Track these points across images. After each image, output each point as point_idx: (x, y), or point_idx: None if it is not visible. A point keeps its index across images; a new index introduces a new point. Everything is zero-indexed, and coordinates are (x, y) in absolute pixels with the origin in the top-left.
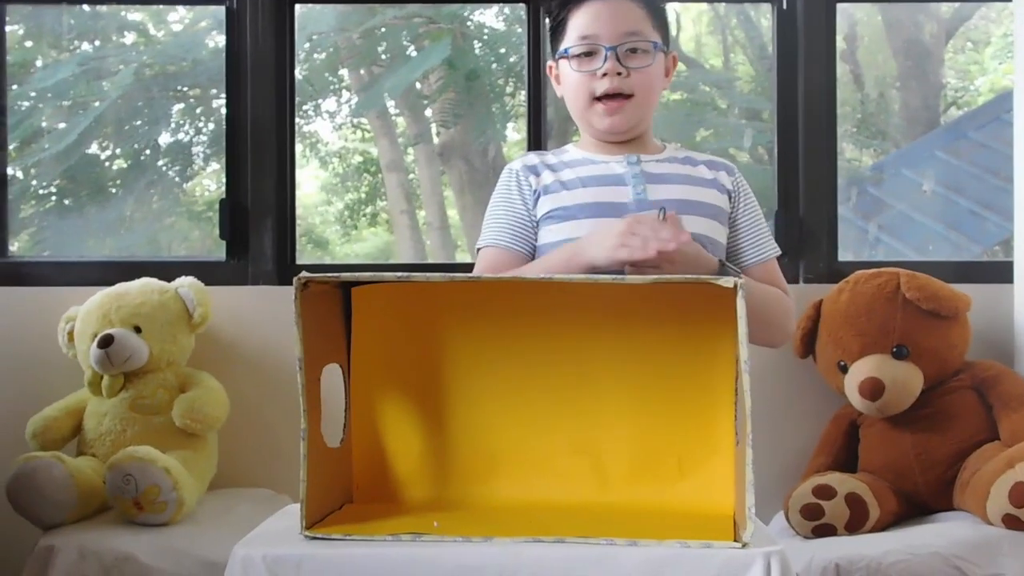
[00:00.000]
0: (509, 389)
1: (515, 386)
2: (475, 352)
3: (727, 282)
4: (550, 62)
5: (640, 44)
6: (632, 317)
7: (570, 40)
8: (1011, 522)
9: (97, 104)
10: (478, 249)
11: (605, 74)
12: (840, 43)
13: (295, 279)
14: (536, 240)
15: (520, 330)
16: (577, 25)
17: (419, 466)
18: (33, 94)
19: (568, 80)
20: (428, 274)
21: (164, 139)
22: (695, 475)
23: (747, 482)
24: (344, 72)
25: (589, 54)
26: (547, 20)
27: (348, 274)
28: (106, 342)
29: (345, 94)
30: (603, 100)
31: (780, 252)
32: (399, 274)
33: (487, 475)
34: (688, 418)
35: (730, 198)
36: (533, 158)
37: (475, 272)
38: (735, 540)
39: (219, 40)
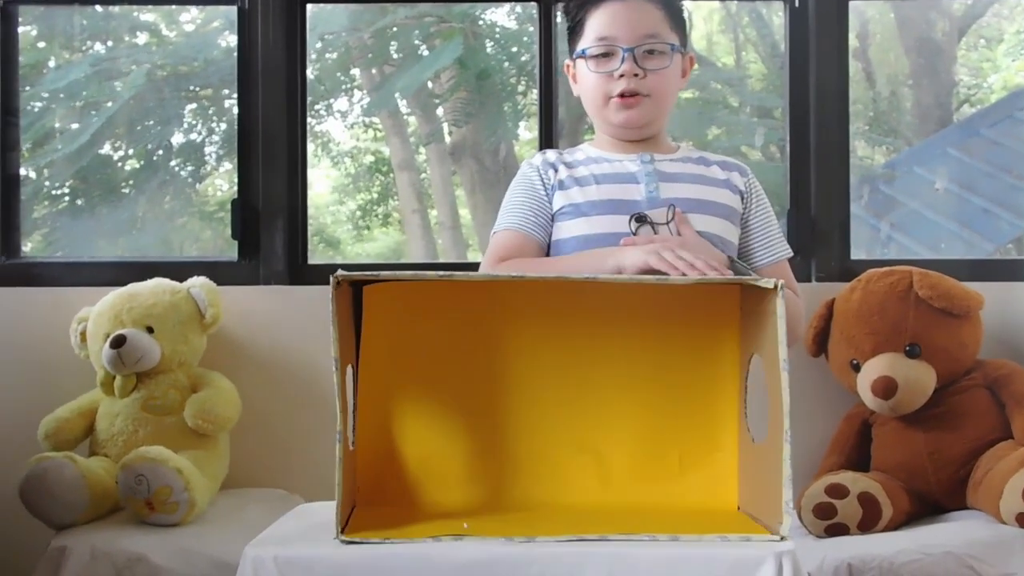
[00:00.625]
0: (514, 388)
1: (520, 385)
2: (479, 353)
3: (767, 283)
4: (567, 61)
5: (658, 46)
6: (635, 316)
7: (588, 41)
8: None
9: (109, 104)
10: (493, 233)
11: (622, 75)
12: (852, 41)
13: (331, 277)
14: (551, 234)
15: (524, 330)
16: (595, 26)
17: (425, 468)
18: (45, 95)
19: (585, 80)
20: (469, 273)
21: (176, 139)
22: (697, 472)
23: (784, 476)
24: (356, 72)
25: (607, 55)
26: (561, 18)
27: (387, 272)
28: (118, 342)
29: (357, 94)
30: (619, 96)
31: (792, 254)
32: (440, 273)
33: (492, 475)
34: (690, 416)
35: (742, 199)
36: (551, 154)
37: (489, 255)
38: (774, 534)
39: (231, 40)
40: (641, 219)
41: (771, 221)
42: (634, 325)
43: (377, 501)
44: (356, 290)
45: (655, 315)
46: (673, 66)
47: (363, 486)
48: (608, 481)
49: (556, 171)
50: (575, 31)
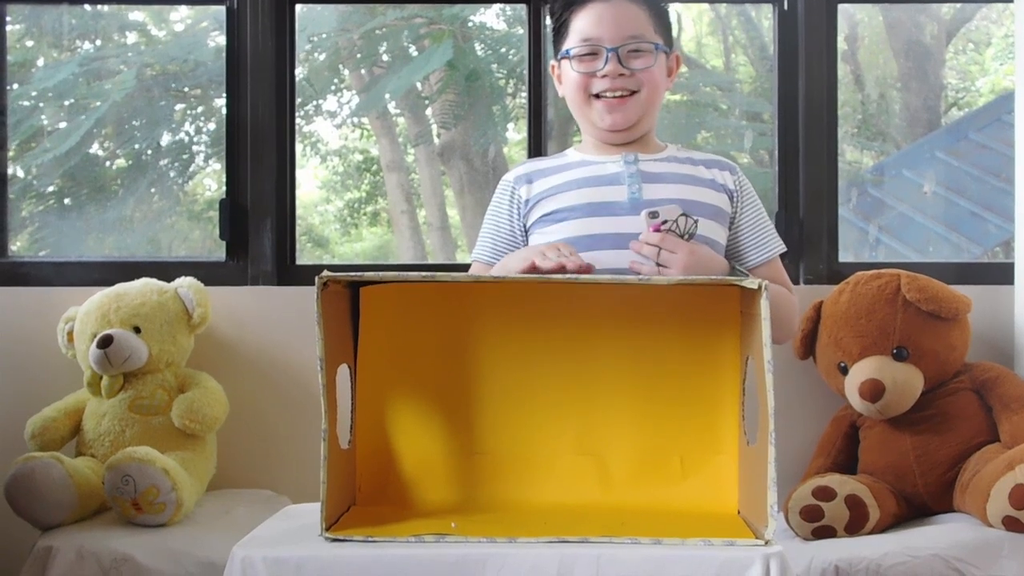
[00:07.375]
0: (514, 390)
1: (520, 387)
2: (480, 353)
3: (751, 283)
4: (552, 62)
5: (642, 46)
6: (635, 318)
7: (572, 41)
8: (1011, 524)
9: (98, 104)
10: (472, 261)
11: (606, 75)
12: (841, 44)
13: (316, 278)
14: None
15: (525, 332)
16: (579, 27)
17: (424, 468)
18: (34, 94)
19: (569, 79)
20: (453, 274)
21: (165, 139)
22: (698, 475)
23: (769, 480)
24: (345, 72)
25: (591, 55)
26: (549, 20)
27: (372, 273)
28: (105, 342)
29: (346, 94)
30: (604, 98)
31: (784, 247)
32: (423, 274)
33: (492, 476)
34: (691, 418)
35: (731, 198)
36: (530, 166)
37: None
38: (756, 538)
39: (220, 40)
40: (654, 215)
41: (762, 219)
42: (636, 327)
43: (377, 500)
44: (354, 291)
45: (657, 318)
46: (658, 65)
47: (363, 485)
48: (609, 483)
49: (531, 184)
50: (560, 32)
